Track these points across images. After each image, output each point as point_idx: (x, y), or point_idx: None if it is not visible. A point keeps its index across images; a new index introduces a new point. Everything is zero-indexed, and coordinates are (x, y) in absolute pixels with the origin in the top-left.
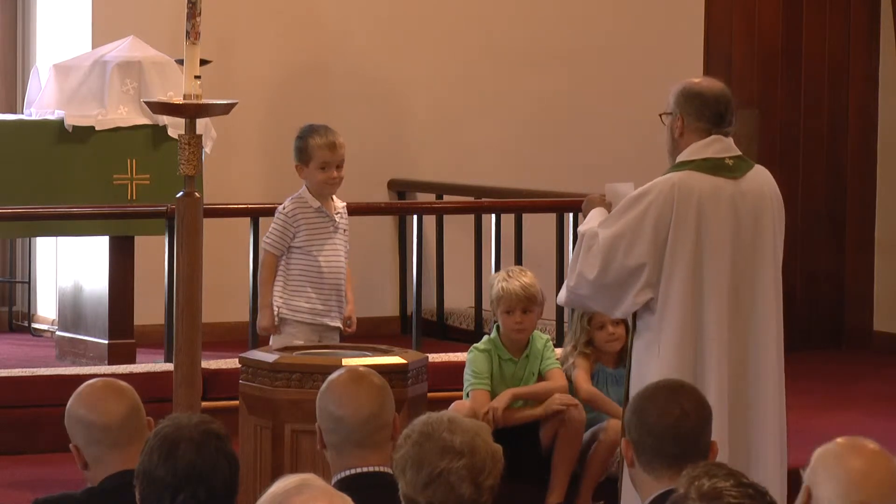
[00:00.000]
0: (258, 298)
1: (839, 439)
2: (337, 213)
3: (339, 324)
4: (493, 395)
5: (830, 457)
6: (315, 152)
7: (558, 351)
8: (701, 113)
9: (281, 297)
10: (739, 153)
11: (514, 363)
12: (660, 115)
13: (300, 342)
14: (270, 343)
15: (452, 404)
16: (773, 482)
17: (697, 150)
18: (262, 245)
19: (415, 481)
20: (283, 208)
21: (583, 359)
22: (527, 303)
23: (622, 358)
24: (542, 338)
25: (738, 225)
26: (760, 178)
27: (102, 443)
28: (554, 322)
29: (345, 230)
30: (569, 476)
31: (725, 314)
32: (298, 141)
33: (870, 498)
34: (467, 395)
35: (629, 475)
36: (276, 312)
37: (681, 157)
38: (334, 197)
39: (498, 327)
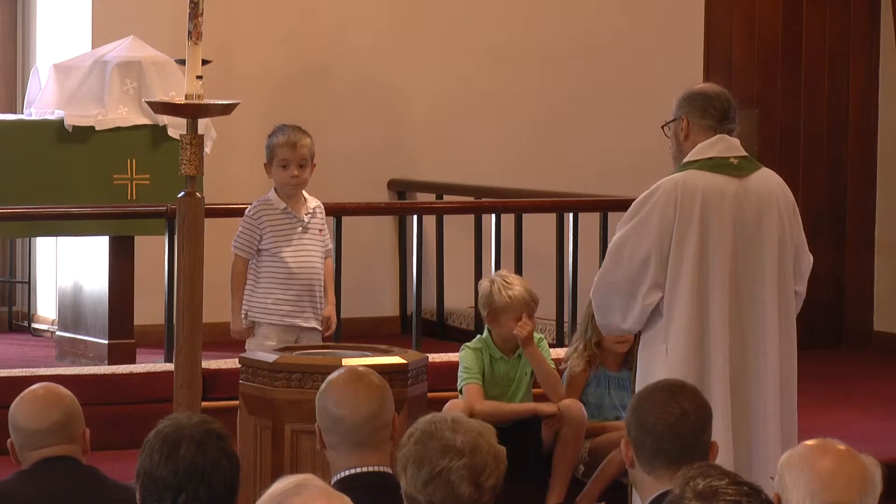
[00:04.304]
0: (230, 302)
1: (806, 442)
2: (307, 214)
3: (314, 324)
4: (486, 393)
5: (797, 459)
6: (276, 150)
7: (561, 351)
8: (705, 110)
9: (249, 301)
10: (745, 154)
11: (506, 362)
12: (662, 127)
13: (272, 343)
14: (246, 347)
15: (447, 404)
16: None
17: (702, 149)
18: (231, 249)
19: (415, 479)
20: (249, 211)
21: (582, 373)
22: (534, 306)
23: (626, 361)
24: (535, 337)
25: (741, 222)
26: (767, 179)
27: (32, 438)
28: (554, 322)
29: (321, 230)
30: (570, 476)
31: (728, 313)
32: (267, 140)
33: (839, 497)
34: (461, 391)
35: (629, 475)
36: (244, 315)
37: (686, 158)
38: (307, 196)
39: (488, 330)
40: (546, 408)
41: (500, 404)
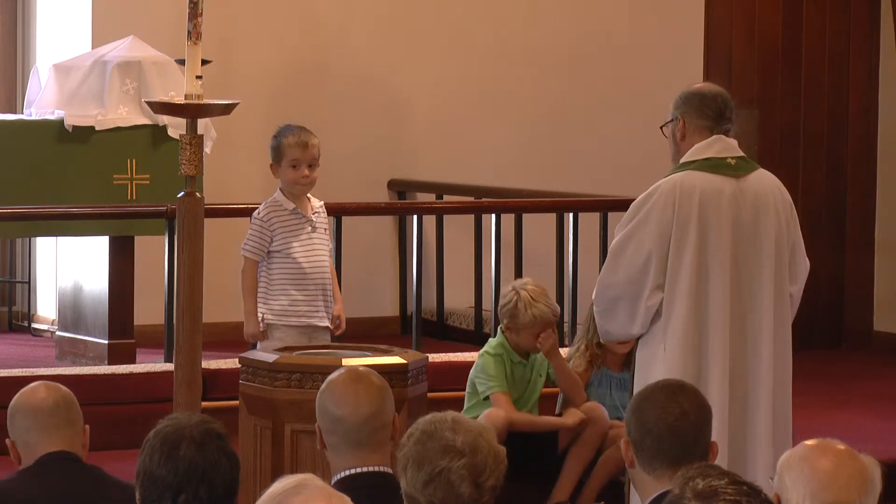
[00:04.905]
0: (243, 306)
1: (806, 442)
2: (314, 213)
3: (327, 323)
4: None
5: (797, 459)
6: (286, 150)
7: (564, 351)
8: (701, 111)
9: (265, 303)
10: (742, 154)
11: (523, 365)
12: (661, 128)
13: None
14: (260, 349)
15: (483, 415)
16: (764, 483)
17: (699, 150)
18: (241, 252)
19: (415, 479)
20: (258, 213)
21: (583, 373)
22: (555, 320)
23: (628, 362)
24: None
25: (739, 222)
26: (764, 179)
27: (33, 429)
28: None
29: (325, 229)
30: (579, 476)
31: (728, 313)
32: (273, 140)
33: (839, 497)
34: (485, 398)
35: (629, 476)
36: (260, 318)
37: (683, 159)
38: (311, 197)
39: (502, 330)
40: (573, 421)
41: (534, 417)
